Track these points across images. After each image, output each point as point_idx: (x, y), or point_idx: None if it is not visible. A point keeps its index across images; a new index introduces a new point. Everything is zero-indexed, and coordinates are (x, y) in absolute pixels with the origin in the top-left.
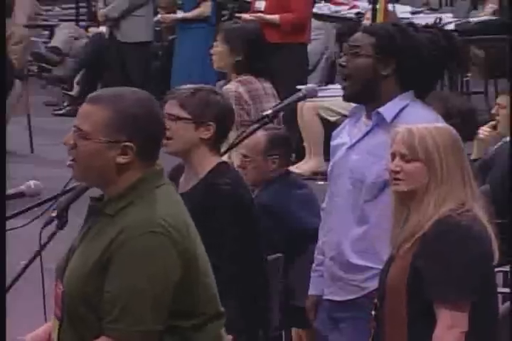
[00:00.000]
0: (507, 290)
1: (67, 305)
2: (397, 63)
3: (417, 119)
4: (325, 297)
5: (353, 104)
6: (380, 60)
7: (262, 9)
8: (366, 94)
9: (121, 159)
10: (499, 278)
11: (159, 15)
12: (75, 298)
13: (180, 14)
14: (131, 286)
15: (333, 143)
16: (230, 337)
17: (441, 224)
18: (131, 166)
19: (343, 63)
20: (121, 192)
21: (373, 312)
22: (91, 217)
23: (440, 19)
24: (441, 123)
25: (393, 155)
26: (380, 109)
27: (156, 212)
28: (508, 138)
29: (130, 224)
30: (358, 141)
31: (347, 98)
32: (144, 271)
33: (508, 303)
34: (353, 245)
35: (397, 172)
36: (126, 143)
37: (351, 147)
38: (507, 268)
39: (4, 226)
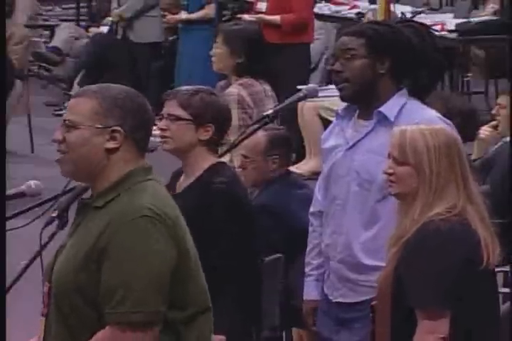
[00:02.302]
0: (507, 290)
1: (57, 298)
2: (392, 60)
3: (420, 116)
4: (334, 300)
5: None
6: (376, 59)
7: (264, 10)
8: (365, 94)
9: (110, 145)
10: (499, 278)
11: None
12: (65, 288)
13: (184, 15)
14: (130, 271)
15: (324, 146)
16: (223, 337)
17: (422, 229)
18: (119, 152)
19: (339, 68)
20: (109, 186)
21: (371, 314)
22: (80, 214)
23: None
24: (439, 124)
25: (389, 156)
26: (381, 108)
27: (145, 199)
28: (508, 138)
29: (120, 211)
30: (358, 141)
31: (346, 98)
32: (141, 254)
33: (508, 303)
34: (364, 246)
35: (390, 175)
36: (115, 128)
37: (351, 148)
38: (507, 268)
39: (4, 227)
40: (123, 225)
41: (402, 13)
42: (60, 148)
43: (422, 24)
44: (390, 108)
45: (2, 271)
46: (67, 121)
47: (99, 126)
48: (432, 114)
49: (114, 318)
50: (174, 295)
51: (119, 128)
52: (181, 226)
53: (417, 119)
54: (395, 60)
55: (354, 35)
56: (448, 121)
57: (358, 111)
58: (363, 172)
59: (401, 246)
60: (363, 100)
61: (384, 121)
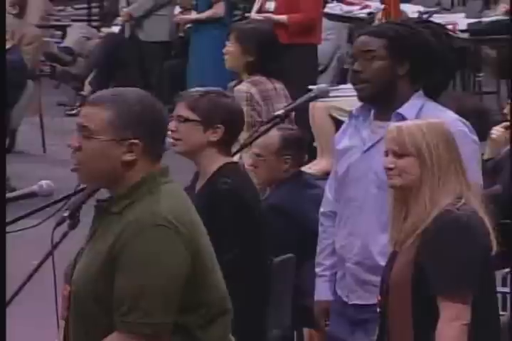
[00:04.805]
0: (507, 289)
1: (76, 303)
2: (412, 62)
3: (440, 116)
4: (350, 302)
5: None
6: (396, 61)
7: (272, 10)
8: (383, 96)
9: (127, 157)
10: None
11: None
12: (84, 296)
13: (194, 15)
14: (140, 281)
15: (338, 146)
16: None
17: (441, 219)
18: (137, 164)
19: (358, 69)
20: (126, 191)
21: (378, 310)
22: (97, 217)
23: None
24: (435, 120)
25: (386, 153)
26: (400, 110)
27: (160, 207)
28: None
29: (134, 219)
30: (377, 142)
31: (364, 99)
32: (152, 265)
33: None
34: (382, 248)
35: (391, 169)
36: (132, 141)
37: (369, 149)
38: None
39: (4, 226)
40: (136, 235)
41: (421, 13)
42: (77, 156)
43: (439, 25)
44: (408, 109)
45: (2, 271)
46: (84, 130)
47: (117, 139)
48: (451, 115)
49: (122, 326)
50: (190, 300)
51: (136, 141)
52: (197, 230)
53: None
54: (415, 62)
55: (375, 36)
56: (467, 123)
57: (373, 112)
58: (382, 173)
59: (418, 237)
60: (381, 101)
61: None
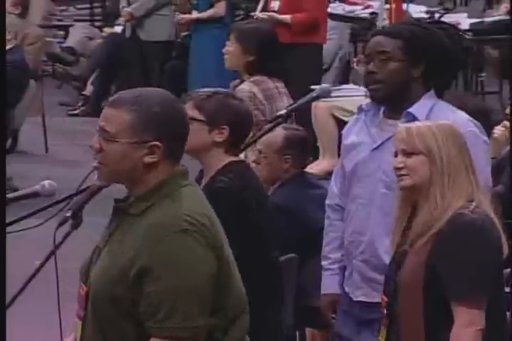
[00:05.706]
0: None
1: (93, 304)
2: (426, 64)
3: (452, 118)
4: (356, 299)
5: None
6: (411, 62)
7: (277, 9)
8: (397, 96)
9: (148, 159)
10: None
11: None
12: (102, 297)
13: (195, 14)
14: (176, 286)
15: (346, 141)
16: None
17: (455, 222)
18: (158, 165)
19: (373, 69)
20: (146, 193)
21: (385, 311)
22: (116, 218)
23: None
24: (444, 121)
25: (395, 154)
26: (411, 109)
27: (182, 209)
28: None
29: (157, 224)
30: (386, 140)
31: (378, 99)
32: (183, 268)
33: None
34: (389, 247)
35: (401, 169)
36: (154, 143)
37: (378, 148)
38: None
39: (4, 226)
40: (161, 240)
41: (432, 13)
42: (98, 158)
43: (451, 25)
44: (419, 109)
45: (2, 271)
46: (104, 133)
47: (138, 141)
48: (462, 115)
49: (160, 332)
50: (213, 303)
51: (157, 143)
52: (219, 233)
53: (448, 121)
54: (429, 63)
55: (390, 36)
56: (478, 124)
57: (383, 110)
58: (391, 172)
59: (431, 237)
60: (394, 101)
61: (413, 121)
